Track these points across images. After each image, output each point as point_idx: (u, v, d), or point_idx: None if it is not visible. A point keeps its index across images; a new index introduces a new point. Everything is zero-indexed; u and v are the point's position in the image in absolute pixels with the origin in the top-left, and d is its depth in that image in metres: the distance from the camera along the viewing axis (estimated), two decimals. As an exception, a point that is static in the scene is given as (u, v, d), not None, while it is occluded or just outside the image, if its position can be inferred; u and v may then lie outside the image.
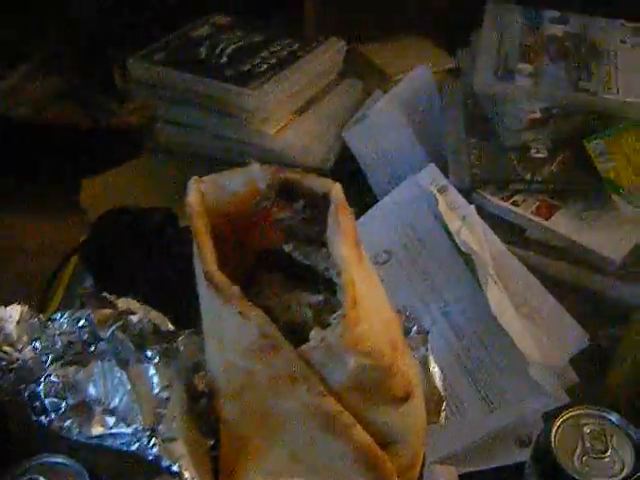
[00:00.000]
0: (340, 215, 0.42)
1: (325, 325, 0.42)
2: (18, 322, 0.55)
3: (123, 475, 0.81)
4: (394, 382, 0.43)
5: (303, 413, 0.42)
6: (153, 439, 0.46)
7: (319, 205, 0.44)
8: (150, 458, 0.46)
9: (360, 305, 0.40)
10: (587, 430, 0.75)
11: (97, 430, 0.47)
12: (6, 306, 0.55)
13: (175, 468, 0.45)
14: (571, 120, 1.18)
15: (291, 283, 0.47)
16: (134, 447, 0.46)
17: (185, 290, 0.92)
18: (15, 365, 0.53)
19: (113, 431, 0.47)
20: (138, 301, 0.63)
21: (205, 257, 0.42)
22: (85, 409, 0.48)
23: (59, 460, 0.71)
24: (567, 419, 0.76)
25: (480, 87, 1.18)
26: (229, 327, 0.43)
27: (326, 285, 0.45)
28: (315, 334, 0.41)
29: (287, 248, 0.46)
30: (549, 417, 0.89)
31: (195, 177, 0.48)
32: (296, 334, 0.43)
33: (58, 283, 1.13)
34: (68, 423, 0.48)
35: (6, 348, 0.53)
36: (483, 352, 0.96)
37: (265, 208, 0.46)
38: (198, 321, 0.55)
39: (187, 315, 0.82)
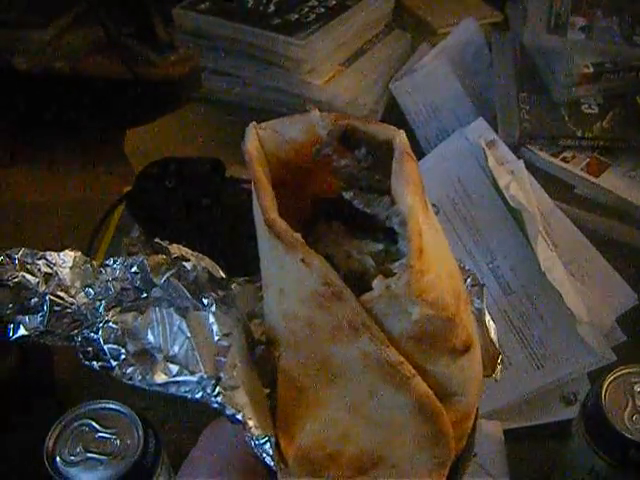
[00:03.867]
0: (405, 163, 0.41)
1: (387, 274, 0.41)
2: (71, 267, 0.54)
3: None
4: (456, 333, 0.42)
5: (364, 363, 0.42)
6: (217, 387, 0.45)
7: (382, 152, 0.43)
8: (214, 406, 0.46)
9: (426, 255, 0.39)
10: (638, 389, 0.75)
11: (160, 378, 0.47)
12: (59, 252, 0.55)
13: (239, 417, 0.45)
14: (623, 76, 1.16)
15: (350, 232, 0.46)
16: (198, 395, 0.46)
17: (232, 240, 0.93)
18: (69, 310, 0.53)
19: (177, 379, 0.47)
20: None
21: (266, 204, 0.41)
22: (146, 356, 0.48)
23: (111, 406, 0.72)
24: (617, 377, 0.76)
25: (531, 41, 1.17)
26: (290, 275, 0.42)
27: (386, 234, 0.45)
28: (379, 283, 0.40)
29: (347, 196, 0.45)
30: (596, 375, 0.89)
31: (253, 123, 0.47)
32: (357, 283, 0.42)
33: (104, 233, 1.13)
34: (130, 370, 0.48)
35: (60, 293, 0.53)
36: (530, 308, 0.95)
37: (325, 155, 0.45)
38: (248, 270, 0.55)
39: (235, 265, 0.82)
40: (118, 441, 0.69)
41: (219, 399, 0.45)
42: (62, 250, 0.55)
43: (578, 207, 1.10)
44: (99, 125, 1.39)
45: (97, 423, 0.70)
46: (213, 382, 0.46)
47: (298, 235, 0.40)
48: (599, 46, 1.15)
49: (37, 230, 1.17)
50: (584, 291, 0.97)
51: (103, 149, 1.35)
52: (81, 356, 0.52)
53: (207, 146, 1.29)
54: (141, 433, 0.70)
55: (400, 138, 0.43)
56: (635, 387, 0.75)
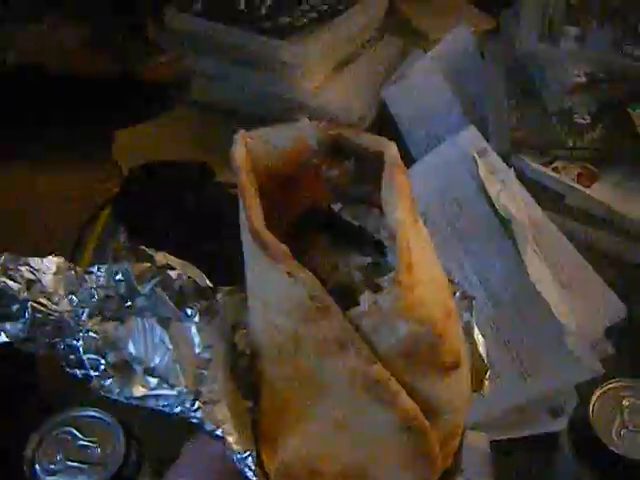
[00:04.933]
0: (396, 175, 0.41)
1: (375, 288, 0.40)
2: (55, 274, 0.53)
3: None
4: (444, 350, 0.41)
5: (350, 379, 0.41)
6: (197, 402, 0.45)
7: (372, 164, 0.43)
8: (194, 421, 0.45)
9: (415, 270, 0.38)
10: (626, 403, 0.74)
11: (138, 391, 0.46)
12: (42, 257, 0.54)
13: (219, 432, 0.44)
14: (616, 86, 1.15)
15: (337, 244, 0.45)
16: (177, 409, 0.45)
17: (219, 246, 0.92)
18: (51, 317, 0.52)
19: (156, 392, 0.46)
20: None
21: (252, 215, 0.40)
22: (126, 368, 0.47)
23: (92, 413, 0.71)
24: (606, 391, 0.75)
25: (524, 49, 1.16)
26: (275, 288, 0.41)
27: (374, 247, 0.44)
28: (366, 298, 0.39)
29: (335, 207, 0.44)
30: (584, 388, 0.89)
31: (241, 131, 0.46)
32: (344, 297, 0.41)
33: (90, 236, 1.12)
34: (108, 383, 0.47)
35: (42, 300, 0.52)
36: (519, 320, 0.94)
37: (313, 165, 0.44)
38: (235, 277, 0.54)
39: (221, 272, 0.81)
40: (99, 450, 0.68)
41: (198, 414, 0.45)
42: (46, 254, 0.54)
43: (568, 218, 1.09)
44: (86, 124, 1.37)
45: (78, 431, 0.69)
46: (192, 397, 0.45)
47: (284, 247, 0.40)
48: (592, 56, 1.14)
49: (21, 232, 1.16)
50: (573, 302, 0.96)
51: (90, 149, 1.33)
52: (64, 364, 0.51)
53: (196, 150, 1.28)
54: (123, 442, 0.69)
55: (391, 150, 0.42)
56: (623, 401, 0.75)
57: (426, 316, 0.39)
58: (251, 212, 0.41)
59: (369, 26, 1.34)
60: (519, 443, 0.91)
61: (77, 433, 0.69)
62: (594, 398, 0.74)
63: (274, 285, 0.41)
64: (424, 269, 0.40)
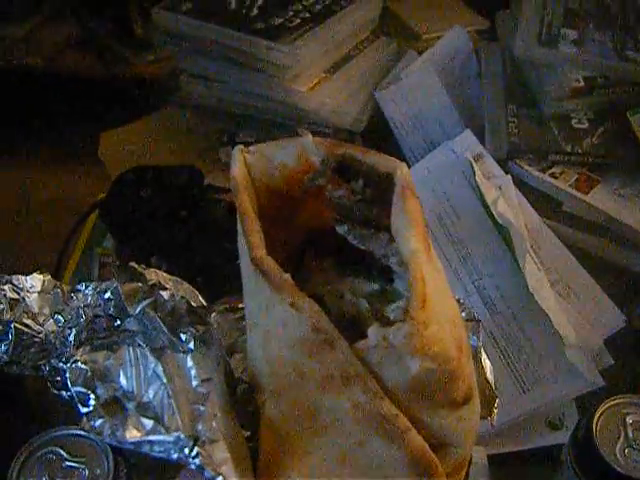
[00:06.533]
0: (407, 200, 0.38)
1: (382, 318, 0.38)
2: (40, 292, 0.51)
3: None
4: (456, 386, 0.39)
5: (355, 414, 0.39)
6: (196, 448, 0.42)
7: (381, 185, 0.40)
8: (192, 467, 0.42)
9: (429, 304, 0.36)
10: (630, 420, 0.73)
11: (132, 435, 0.43)
12: (27, 275, 0.52)
13: (219, 479, 0.41)
14: (615, 91, 1.14)
15: (343, 269, 0.43)
16: (174, 456, 0.43)
17: (210, 254, 0.90)
18: (36, 339, 0.49)
19: (151, 438, 0.43)
20: (163, 269, 0.59)
21: (252, 240, 0.38)
22: (117, 406, 0.44)
23: (79, 432, 0.68)
24: (609, 408, 0.73)
25: (522, 52, 1.14)
26: (277, 318, 0.39)
27: (381, 271, 0.41)
28: (375, 332, 0.37)
29: (341, 230, 0.42)
30: (583, 400, 0.88)
31: (240, 146, 0.43)
32: (350, 326, 0.39)
33: (76, 241, 1.10)
34: (99, 423, 0.45)
35: (27, 321, 0.50)
36: (517, 329, 0.93)
37: (318, 185, 0.42)
38: (226, 286, 0.52)
39: (213, 281, 0.78)
40: (87, 471, 0.65)
41: (197, 461, 0.42)
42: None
43: (566, 224, 1.08)
44: (72, 125, 1.35)
45: (65, 451, 0.66)
46: (191, 442, 0.42)
47: (287, 276, 0.37)
48: (591, 60, 1.12)
49: (4, 237, 1.13)
50: (571, 312, 0.94)
51: (76, 150, 1.31)
52: (49, 385, 0.49)
53: (184, 152, 1.26)
54: (111, 463, 0.66)
55: (402, 171, 0.40)
56: (627, 418, 0.73)
57: (440, 353, 0.37)
58: (252, 238, 0.38)
59: (363, 27, 1.32)
60: (517, 456, 0.90)
61: (64, 453, 0.66)
62: (597, 414, 0.73)
63: (276, 315, 0.39)
64: (437, 302, 0.37)
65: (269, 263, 0.38)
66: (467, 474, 0.48)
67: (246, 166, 0.42)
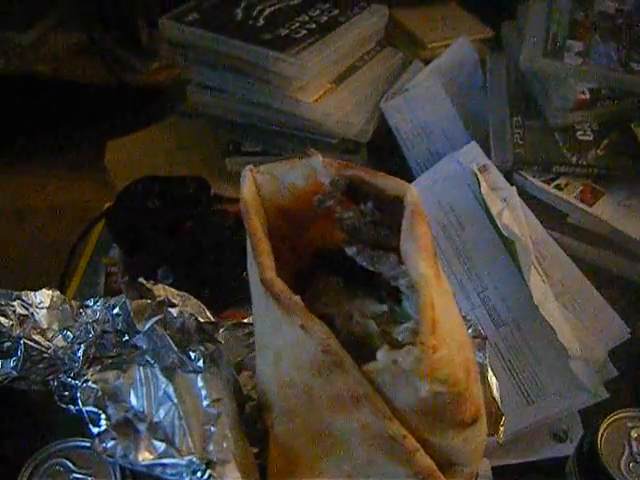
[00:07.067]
0: (417, 223, 0.39)
1: (391, 339, 0.38)
2: (48, 308, 0.51)
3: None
4: (464, 408, 0.39)
5: (363, 434, 0.39)
6: (208, 471, 0.42)
7: (390, 208, 0.41)
8: None
9: (438, 329, 0.36)
10: (634, 434, 0.73)
11: (144, 457, 0.44)
12: (35, 290, 0.52)
13: None
14: (620, 102, 1.14)
15: (351, 289, 0.43)
16: (187, 479, 0.43)
17: (217, 266, 0.90)
18: (45, 355, 0.50)
19: (164, 461, 0.43)
20: (170, 281, 0.59)
21: (263, 262, 0.38)
22: (129, 427, 0.44)
23: (87, 444, 0.68)
24: (613, 422, 0.74)
25: (527, 64, 1.14)
26: (287, 340, 0.39)
27: (389, 292, 0.42)
28: (384, 355, 0.37)
29: (350, 251, 0.42)
30: (587, 412, 0.88)
31: (250, 166, 0.44)
32: (359, 346, 0.39)
33: (81, 252, 1.10)
34: (111, 445, 0.45)
35: (35, 336, 0.50)
36: (522, 341, 0.93)
37: (327, 206, 0.42)
38: (233, 298, 0.52)
39: (220, 292, 0.78)
40: (94, 483, 0.66)
41: None
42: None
43: (571, 236, 1.08)
44: (79, 132, 1.35)
45: (72, 462, 0.67)
46: (204, 466, 0.42)
47: (297, 298, 0.37)
48: (596, 71, 1.12)
49: (10, 245, 1.13)
50: (576, 324, 0.94)
51: (82, 158, 1.32)
52: (57, 399, 0.49)
53: (190, 161, 1.26)
54: (118, 474, 0.66)
55: (411, 195, 0.40)
56: (632, 432, 0.73)
57: (448, 376, 0.38)
58: (262, 259, 0.38)
59: (369, 38, 1.32)
60: (521, 468, 0.89)
61: (70, 465, 0.67)
62: (602, 428, 0.73)
63: (286, 336, 0.39)
64: (446, 326, 0.38)
65: (279, 285, 0.38)
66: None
67: (256, 186, 0.43)
